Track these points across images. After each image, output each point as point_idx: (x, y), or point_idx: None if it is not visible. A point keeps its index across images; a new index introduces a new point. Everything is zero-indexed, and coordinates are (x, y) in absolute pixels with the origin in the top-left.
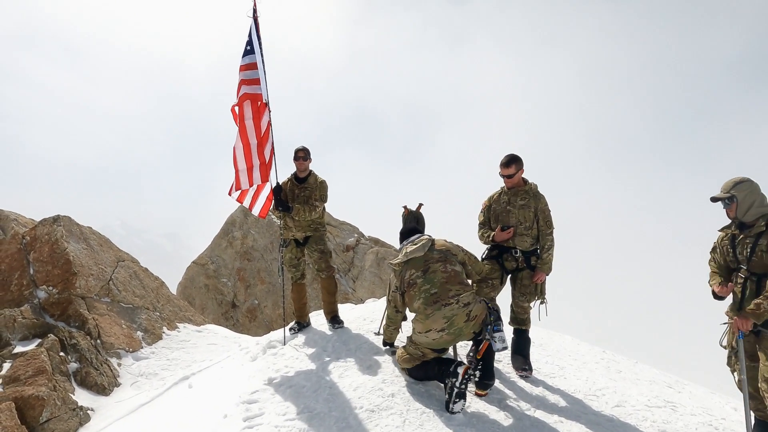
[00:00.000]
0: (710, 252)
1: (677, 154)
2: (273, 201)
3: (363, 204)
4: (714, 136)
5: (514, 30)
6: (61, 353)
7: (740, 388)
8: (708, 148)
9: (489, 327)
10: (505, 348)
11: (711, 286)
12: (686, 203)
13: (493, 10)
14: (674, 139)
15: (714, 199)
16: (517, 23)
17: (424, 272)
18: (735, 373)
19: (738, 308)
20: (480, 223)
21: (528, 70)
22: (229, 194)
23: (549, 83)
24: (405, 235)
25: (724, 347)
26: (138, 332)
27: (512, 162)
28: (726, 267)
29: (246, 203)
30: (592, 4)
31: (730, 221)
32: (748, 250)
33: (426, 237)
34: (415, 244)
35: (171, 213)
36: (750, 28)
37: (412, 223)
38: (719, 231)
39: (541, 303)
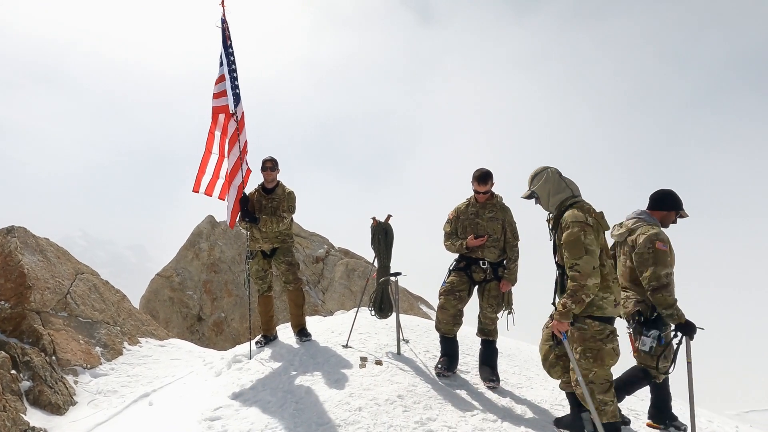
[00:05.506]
0: None
1: (646, 177)
2: (240, 212)
3: (333, 218)
4: (683, 162)
5: (483, 54)
6: (13, 371)
7: (562, 389)
8: (677, 175)
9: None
10: (651, 348)
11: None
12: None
13: (462, 34)
14: (644, 164)
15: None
16: (486, 47)
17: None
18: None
19: (553, 303)
20: (447, 234)
21: (497, 94)
22: (195, 191)
23: (518, 107)
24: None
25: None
26: (97, 348)
27: (488, 178)
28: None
29: (213, 196)
30: (562, 29)
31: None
32: (554, 243)
33: (633, 226)
34: (620, 229)
35: (136, 224)
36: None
37: (381, 234)
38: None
39: (509, 313)
